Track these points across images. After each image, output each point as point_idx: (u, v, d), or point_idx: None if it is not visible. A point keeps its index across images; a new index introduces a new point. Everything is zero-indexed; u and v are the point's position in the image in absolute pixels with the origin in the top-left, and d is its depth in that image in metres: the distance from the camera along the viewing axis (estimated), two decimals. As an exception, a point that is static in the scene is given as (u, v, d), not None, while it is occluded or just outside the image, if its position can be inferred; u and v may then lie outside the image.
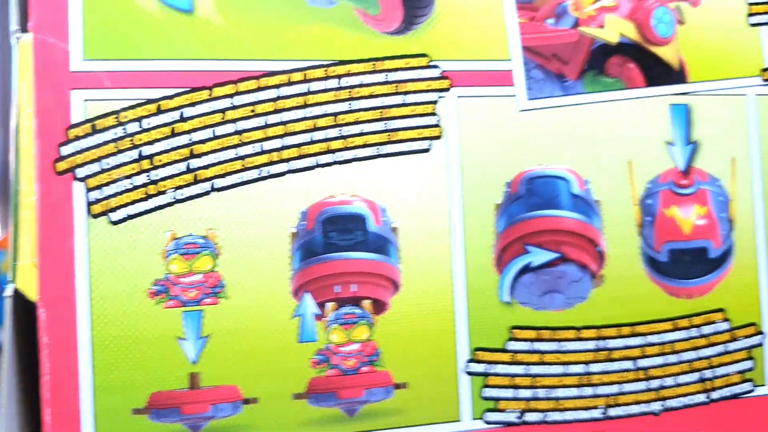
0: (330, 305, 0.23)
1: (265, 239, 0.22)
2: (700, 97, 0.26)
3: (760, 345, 0.26)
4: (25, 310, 0.21)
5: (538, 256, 0.24)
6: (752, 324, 0.26)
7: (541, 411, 0.24)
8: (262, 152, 0.22)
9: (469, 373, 0.24)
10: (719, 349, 0.26)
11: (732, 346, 0.26)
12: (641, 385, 0.25)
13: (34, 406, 0.21)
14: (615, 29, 0.25)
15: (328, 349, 0.23)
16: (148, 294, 0.21)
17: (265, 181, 0.22)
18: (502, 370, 0.24)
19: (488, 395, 0.24)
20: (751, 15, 0.27)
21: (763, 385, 0.26)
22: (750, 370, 0.26)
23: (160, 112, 0.22)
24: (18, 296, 0.21)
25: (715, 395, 0.26)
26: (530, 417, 0.24)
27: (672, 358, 0.25)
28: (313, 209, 0.23)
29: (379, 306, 0.23)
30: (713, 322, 0.26)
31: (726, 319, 0.26)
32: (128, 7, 0.22)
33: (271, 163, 0.22)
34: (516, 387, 0.24)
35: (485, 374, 0.24)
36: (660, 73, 0.25)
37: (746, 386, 0.26)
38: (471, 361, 0.24)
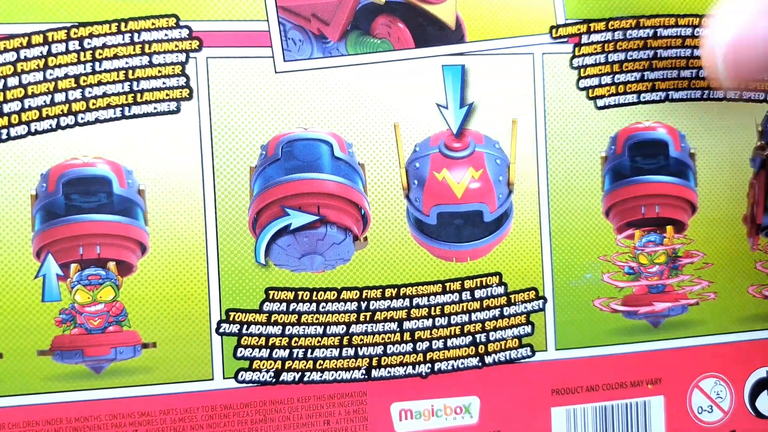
0: (74, 266, 0.23)
1: (5, 201, 0.23)
2: (479, 57, 0.25)
3: (541, 310, 0.26)
4: None
5: (298, 219, 0.24)
6: (532, 288, 0.26)
7: (298, 371, 0.24)
8: (1, 114, 0.23)
9: (221, 334, 0.24)
10: (494, 313, 0.26)
11: (509, 310, 0.26)
12: (407, 347, 0.25)
13: None
14: (384, -13, 0.25)
15: (72, 308, 0.23)
16: None
17: (4, 143, 0.23)
18: (256, 331, 0.24)
19: (242, 355, 0.24)
20: (543, -29, 0.26)
21: (543, 350, 0.26)
22: (529, 335, 0.26)
23: None
24: None
25: (488, 359, 0.26)
26: (286, 376, 0.24)
27: (441, 321, 0.25)
28: (54, 171, 0.23)
29: (126, 268, 0.23)
30: (488, 286, 0.26)
31: (503, 284, 0.26)
32: None
33: (10, 125, 0.23)
34: (272, 347, 0.24)
35: (239, 335, 0.24)
36: (433, 32, 0.25)
37: (524, 351, 0.26)
38: (223, 321, 0.24)
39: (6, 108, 0.23)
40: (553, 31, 0.26)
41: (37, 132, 0.23)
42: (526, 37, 0.26)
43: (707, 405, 0.27)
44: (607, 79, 0.26)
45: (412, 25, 0.25)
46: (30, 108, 0.23)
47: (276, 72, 0.24)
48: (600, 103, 0.26)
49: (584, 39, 0.26)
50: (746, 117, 0.28)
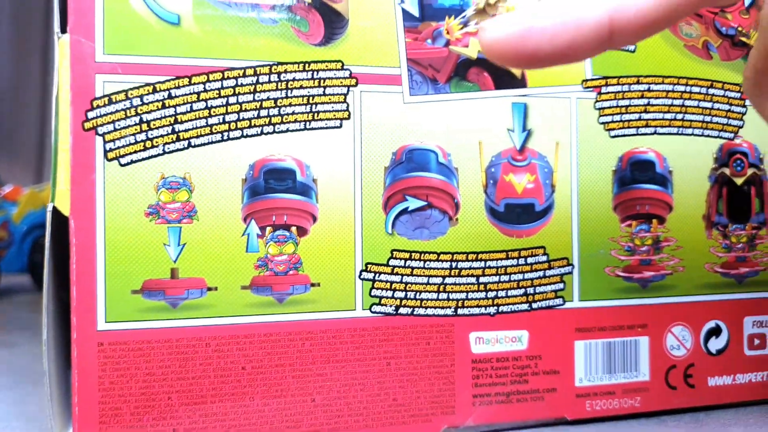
0: (268, 228, 0.34)
1: (224, 181, 0.33)
2: (536, 98, 0.37)
3: (570, 273, 0.38)
4: (59, 223, 0.32)
5: (413, 203, 0.35)
6: (565, 258, 0.38)
7: (410, 307, 0.35)
8: (224, 122, 0.33)
9: (362, 279, 0.35)
10: (539, 273, 0.37)
11: (549, 272, 0.37)
12: (481, 295, 0.36)
13: (64, 288, 0.32)
14: (476, 48, 0.36)
15: (266, 257, 0.33)
16: (144, 214, 0.32)
17: (226, 142, 0.33)
18: (384, 278, 0.35)
19: (374, 294, 0.35)
20: (577, 41, 0.38)
21: (571, 301, 0.38)
22: (562, 289, 0.38)
23: (155, 91, 0.32)
24: (55, 212, 0.31)
25: (535, 305, 0.37)
26: (402, 311, 0.35)
27: (504, 278, 0.37)
28: (258, 163, 0.33)
29: (302, 231, 0.34)
30: (536, 255, 0.37)
31: (546, 254, 0.37)
32: (135, 20, 0.32)
33: (230, 130, 0.33)
34: (393, 290, 0.35)
35: (373, 280, 0.35)
36: (507, 80, 0.37)
37: (558, 301, 0.38)
38: (363, 270, 0.35)
39: (228, 118, 0.33)
40: (584, 83, 0.38)
41: (247, 136, 0.33)
42: (566, 86, 0.38)
43: (677, 344, 0.40)
44: (617, 118, 0.39)
45: (493, 74, 0.36)
46: (243, 119, 0.33)
47: (404, 103, 0.35)
48: (612, 133, 0.38)
49: (603, 89, 0.38)
50: (706, 147, 0.40)
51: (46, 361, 0.32)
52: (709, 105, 0.40)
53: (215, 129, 0.33)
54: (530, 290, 0.37)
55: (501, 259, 0.37)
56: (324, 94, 0.34)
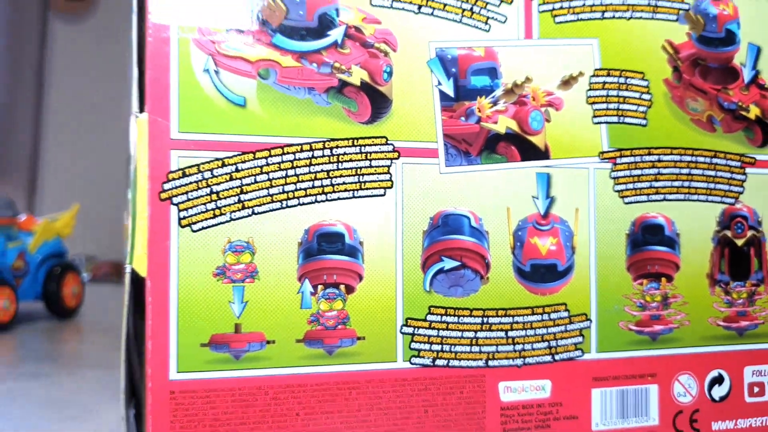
0: (320, 287, 0.37)
1: (282, 245, 0.37)
2: (558, 169, 0.41)
3: (588, 327, 0.42)
4: (135, 282, 0.35)
5: (448, 263, 0.39)
6: (584, 314, 0.42)
7: (446, 359, 0.39)
8: (283, 192, 0.37)
9: (403, 333, 0.38)
10: (561, 328, 0.41)
11: (569, 327, 0.41)
12: (510, 348, 0.40)
13: (140, 339, 0.35)
14: (504, 124, 0.40)
15: (318, 313, 0.37)
16: (212, 275, 0.36)
17: (284, 209, 0.37)
18: (422, 332, 0.39)
19: (414, 347, 0.39)
20: (594, 117, 0.42)
21: (589, 352, 0.42)
22: (581, 342, 0.41)
23: (224, 165, 0.36)
24: (133, 273, 0.35)
25: (557, 357, 0.41)
26: (439, 362, 0.39)
27: (530, 332, 0.40)
28: (312, 228, 0.37)
29: (350, 289, 0.38)
30: (558, 311, 0.41)
31: (567, 310, 0.41)
32: (206, 102, 0.36)
33: (288, 199, 0.37)
34: (431, 343, 0.39)
35: (413, 334, 0.39)
36: (532, 152, 0.41)
37: (578, 353, 0.41)
38: (404, 325, 0.38)
39: (286, 188, 0.37)
40: (601, 154, 0.42)
41: (303, 204, 0.37)
42: (585, 158, 0.42)
43: (683, 392, 0.43)
44: (630, 186, 0.43)
45: (519, 148, 0.40)
46: (299, 189, 0.37)
47: (440, 173, 0.39)
48: (626, 200, 0.43)
49: (618, 160, 0.42)
50: (710, 211, 0.44)
51: (123, 407, 0.35)
52: (712, 173, 0.44)
53: (275, 198, 0.37)
54: (553, 343, 0.41)
55: (527, 314, 0.40)
56: (370, 166, 0.38)
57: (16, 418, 0.51)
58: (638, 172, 0.43)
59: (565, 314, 0.41)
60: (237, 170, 0.36)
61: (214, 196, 0.36)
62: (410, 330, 0.39)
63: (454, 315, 0.39)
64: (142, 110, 0.36)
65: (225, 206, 0.36)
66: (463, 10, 0.40)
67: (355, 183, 0.38)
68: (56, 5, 2.49)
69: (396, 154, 0.39)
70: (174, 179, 0.35)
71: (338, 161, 0.38)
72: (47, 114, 2.37)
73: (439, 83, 0.39)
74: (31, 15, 2.39)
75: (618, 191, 0.42)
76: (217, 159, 0.36)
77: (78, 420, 0.51)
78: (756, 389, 0.45)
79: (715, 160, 0.44)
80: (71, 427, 0.50)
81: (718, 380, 0.44)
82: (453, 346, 0.39)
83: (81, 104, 2.37)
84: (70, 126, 2.36)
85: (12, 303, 0.89)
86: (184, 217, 0.36)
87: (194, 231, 0.36)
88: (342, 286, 0.38)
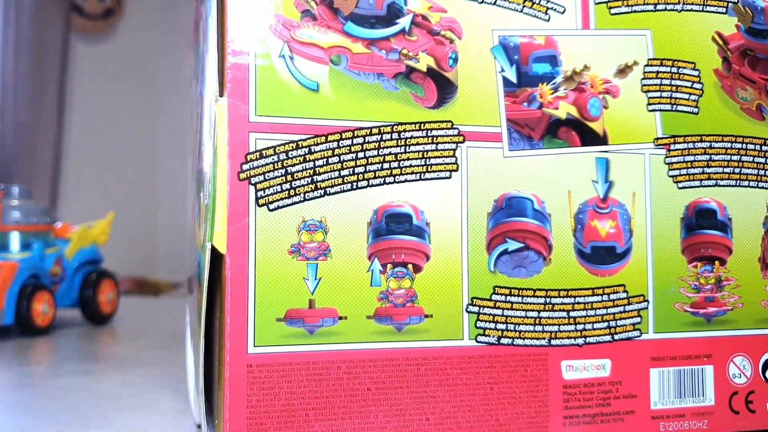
0: (389, 266, 0.38)
1: (353, 224, 0.38)
2: (616, 154, 0.42)
3: (645, 308, 0.42)
4: (214, 259, 0.37)
5: (512, 245, 0.40)
6: (641, 295, 0.42)
7: (510, 338, 0.40)
8: (353, 174, 0.38)
9: (469, 312, 0.39)
10: (620, 308, 0.42)
11: (628, 307, 0.42)
12: (571, 327, 0.41)
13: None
14: (564, 110, 0.41)
15: (387, 291, 0.38)
16: (288, 252, 0.37)
17: (355, 191, 0.38)
18: (487, 312, 0.40)
19: (479, 326, 0.40)
20: (649, 104, 0.43)
21: (647, 333, 0.42)
22: (639, 323, 0.42)
23: (298, 147, 0.37)
24: (213, 250, 0.36)
25: (616, 337, 0.42)
26: (504, 341, 0.40)
27: (591, 312, 0.41)
28: (381, 209, 0.38)
29: (417, 268, 0.39)
30: (617, 292, 0.42)
31: (625, 291, 0.42)
32: (282, 87, 0.38)
33: (358, 180, 0.38)
34: (495, 322, 0.40)
35: (478, 313, 0.40)
36: (591, 138, 0.42)
37: (636, 333, 0.42)
38: (470, 305, 0.39)
39: (356, 170, 0.38)
40: (656, 141, 0.43)
41: (372, 185, 0.38)
42: (641, 144, 0.43)
43: (738, 373, 0.44)
44: (683, 171, 0.44)
45: (579, 133, 0.42)
46: (369, 171, 0.38)
47: (504, 157, 0.40)
48: (680, 185, 0.44)
49: (672, 146, 0.44)
50: (760, 197, 0.45)
51: (201, 382, 0.36)
52: (762, 160, 0.45)
53: (346, 180, 0.38)
54: (612, 323, 0.42)
55: (588, 295, 0.41)
56: (436, 150, 0.39)
57: (73, 409, 0.52)
58: (691, 158, 0.44)
59: (624, 295, 0.42)
60: (310, 152, 0.38)
61: (289, 177, 0.37)
62: (476, 309, 0.40)
63: (518, 295, 0.40)
64: (222, 95, 0.37)
65: (299, 187, 0.37)
66: (524, 0, 0.41)
67: (422, 166, 0.39)
68: (78, 25, 2.54)
69: (461, 138, 0.40)
70: (252, 160, 0.37)
71: (406, 144, 0.39)
72: (69, 133, 2.40)
73: (503, 70, 0.41)
74: (53, 35, 2.44)
75: (672, 176, 0.44)
76: (292, 141, 0.37)
77: (134, 410, 0.52)
78: (809, 372, 0.46)
79: (764, 148, 0.46)
80: (129, 417, 0.51)
81: (773, 363, 0.45)
82: (517, 326, 0.40)
83: (102, 124, 2.40)
84: (91, 145, 2.39)
85: (51, 308, 0.90)
86: (262, 197, 0.37)
87: (270, 210, 0.37)
88: (410, 266, 0.39)
